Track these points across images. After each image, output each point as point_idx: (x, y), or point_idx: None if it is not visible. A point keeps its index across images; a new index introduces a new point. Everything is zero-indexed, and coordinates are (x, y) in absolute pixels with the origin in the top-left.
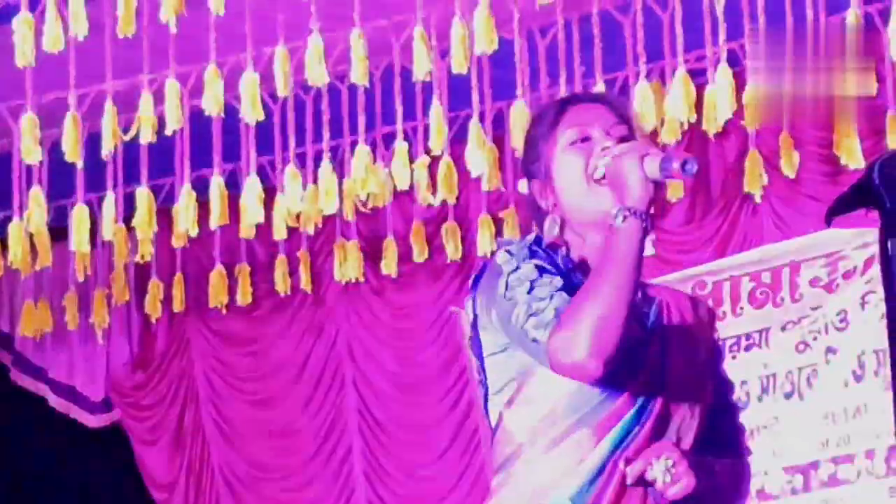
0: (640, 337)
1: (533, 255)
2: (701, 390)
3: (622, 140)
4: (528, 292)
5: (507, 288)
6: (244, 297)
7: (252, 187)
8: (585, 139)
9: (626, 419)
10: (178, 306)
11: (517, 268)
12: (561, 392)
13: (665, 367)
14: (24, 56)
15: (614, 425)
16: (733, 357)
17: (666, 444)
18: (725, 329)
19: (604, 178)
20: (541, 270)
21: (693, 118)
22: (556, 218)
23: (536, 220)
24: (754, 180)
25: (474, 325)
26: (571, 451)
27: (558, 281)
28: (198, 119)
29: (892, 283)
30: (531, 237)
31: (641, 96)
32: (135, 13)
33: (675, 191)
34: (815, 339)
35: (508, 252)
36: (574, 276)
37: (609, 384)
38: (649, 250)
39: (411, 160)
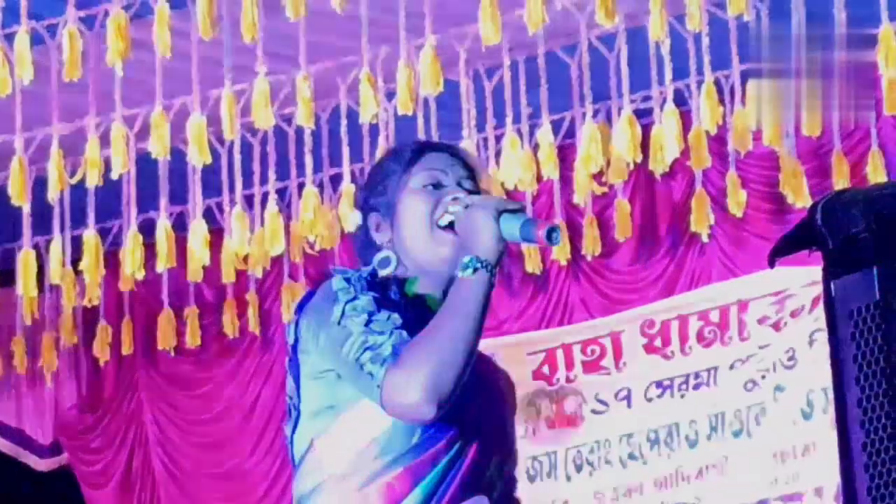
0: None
1: (370, 287)
2: (510, 450)
3: (471, 193)
4: (366, 325)
5: (342, 315)
6: (193, 339)
7: (199, 230)
8: (437, 185)
9: (442, 463)
10: (126, 349)
11: (355, 297)
12: (380, 428)
13: (482, 417)
14: None
15: (430, 469)
16: (682, 396)
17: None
18: (674, 368)
19: (449, 225)
20: (378, 305)
21: (639, 158)
22: (392, 255)
23: (363, 253)
24: (701, 220)
25: (294, 347)
26: (385, 491)
27: (397, 318)
28: (144, 162)
29: (836, 323)
30: (367, 269)
31: (588, 137)
32: (80, 57)
33: (623, 230)
34: (763, 377)
35: (346, 280)
36: (408, 312)
37: (430, 426)
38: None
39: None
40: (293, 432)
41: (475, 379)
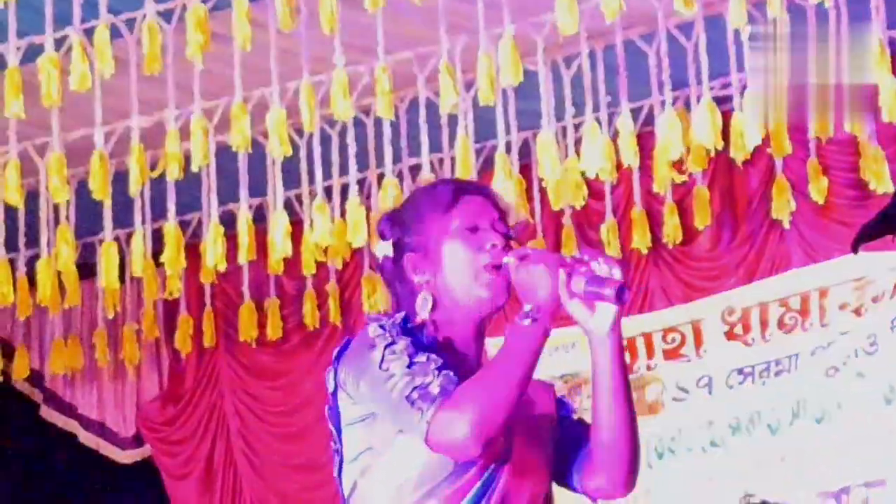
0: None
1: (405, 332)
2: (544, 471)
3: (507, 236)
4: (408, 367)
5: (382, 360)
6: (274, 331)
7: (279, 221)
8: (474, 229)
9: (475, 489)
10: (208, 341)
11: (392, 342)
12: (415, 463)
13: (512, 444)
14: (49, 96)
15: (462, 497)
16: (763, 383)
17: None
18: (755, 355)
19: (495, 268)
20: (416, 348)
21: (720, 145)
22: (429, 296)
23: (397, 288)
24: (782, 206)
25: (334, 395)
26: None
27: (437, 359)
28: (224, 154)
29: None
30: (400, 315)
31: (667, 124)
32: (160, 50)
33: (703, 218)
34: (844, 363)
35: (381, 327)
36: (441, 356)
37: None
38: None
39: None
40: (339, 474)
41: None
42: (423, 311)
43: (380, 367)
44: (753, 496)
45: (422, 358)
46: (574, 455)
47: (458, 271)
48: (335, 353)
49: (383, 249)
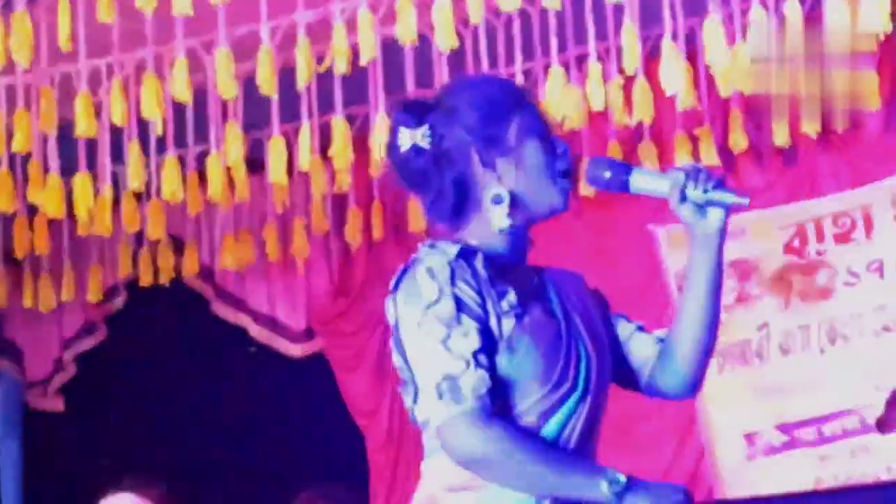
0: (555, 327)
1: (453, 276)
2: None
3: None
4: (443, 341)
5: (421, 321)
6: None
7: None
8: (546, 132)
9: (562, 414)
10: (377, 234)
11: (437, 300)
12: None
13: (582, 346)
14: None
15: (547, 420)
16: None
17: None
18: None
19: (565, 175)
20: (459, 307)
21: (889, 28)
22: (506, 193)
23: (433, 193)
24: None
25: (396, 326)
26: None
27: (474, 336)
28: (391, 47)
29: None
30: (453, 249)
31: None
32: None
33: (872, 102)
34: None
35: (430, 272)
36: (495, 286)
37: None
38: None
39: (605, 81)
40: (414, 403)
41: (563, 312)
42: (501, 219)
43: (419, 326)
44: None
45: (460, 331)
46: (640, 356)
47: (537, 174)
48: (392, 283)
49: (412, 138)
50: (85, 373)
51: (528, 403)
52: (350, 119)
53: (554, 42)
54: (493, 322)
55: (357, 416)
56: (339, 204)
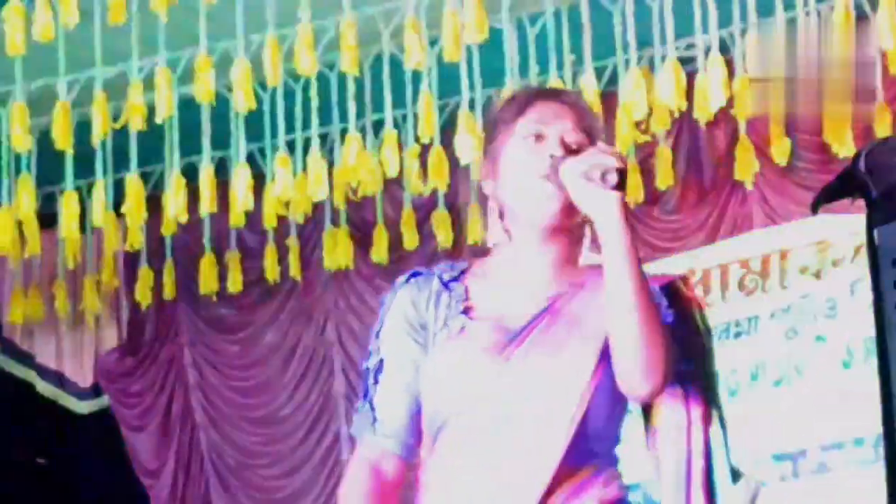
0: None
1: (403, 307)
2: None
3: (572, 149)
4: (374, 378)
5: (377, 338)
6: (234, 284)
7: (242, 175)
8: (539, 137)
9: None
10: (168, 293)
11: (381, 327)
12: None
13: None
14: (14, 45)
15: None
16: (722, 345)
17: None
18: (716, 316)
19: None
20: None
21: (683, 106)
22: (495, 206)
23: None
24: (745, 168)
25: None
26: None
27: (399, 382)
28: (187, 106)
29: (879, 272)
30: (437, 270)
31: (631, 84)
32: (125, 1)
33: (665, 179)
34: (804, 326)
35: (382, 302)
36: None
37: None
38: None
39: (401, 148)
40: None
41: None
42: (493, 230)
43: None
44: None
45: (390, 371)
46: None
47: (513, 179)
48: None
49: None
50: None
51: None
52: (144, 176)
53: (351, 107)
54: None
55: (142, 475)
56: (130, 262)
